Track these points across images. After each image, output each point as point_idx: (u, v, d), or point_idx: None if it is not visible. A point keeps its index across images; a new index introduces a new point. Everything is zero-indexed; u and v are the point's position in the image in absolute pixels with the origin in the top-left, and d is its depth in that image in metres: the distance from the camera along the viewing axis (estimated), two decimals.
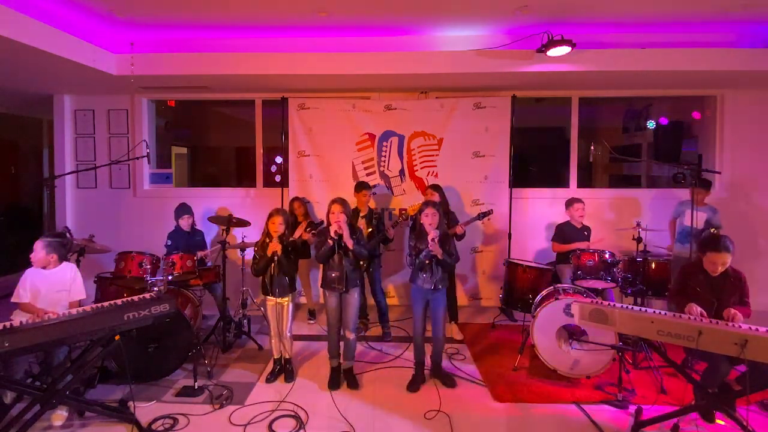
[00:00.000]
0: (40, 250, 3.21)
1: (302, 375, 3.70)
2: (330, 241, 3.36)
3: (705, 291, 3.04)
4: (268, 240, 3.51)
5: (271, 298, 3.54)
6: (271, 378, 3.60)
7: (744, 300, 3.02)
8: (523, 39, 4.45)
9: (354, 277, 3.48)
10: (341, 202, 3.44)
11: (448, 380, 3.52)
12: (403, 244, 5.17)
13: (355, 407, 3.21)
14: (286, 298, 3.55)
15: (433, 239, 3.29)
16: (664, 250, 4.77)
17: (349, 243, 3.37)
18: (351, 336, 3.55)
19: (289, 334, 3.60)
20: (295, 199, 4.85)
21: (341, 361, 3.59)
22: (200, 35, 4.71)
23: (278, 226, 3.47)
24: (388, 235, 4.36)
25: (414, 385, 3.48)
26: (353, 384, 3.51)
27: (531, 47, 4.40)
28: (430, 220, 3.38)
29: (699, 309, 2.86)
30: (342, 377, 3.57)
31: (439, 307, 3.49)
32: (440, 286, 3.44)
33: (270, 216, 3.52)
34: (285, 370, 3.63)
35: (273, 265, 3.48)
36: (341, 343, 3.60)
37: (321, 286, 3.58)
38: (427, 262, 3.40)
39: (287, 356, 3.64)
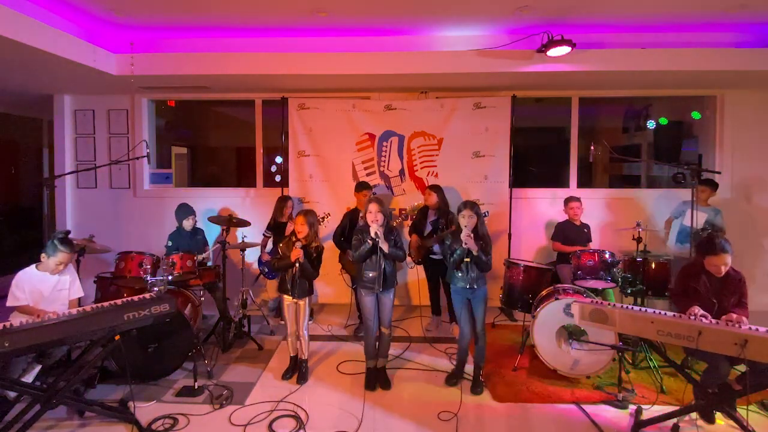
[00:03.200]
0: (68, 263, 3.22)
1: None
2: (369, 241, 3.33)
3: (706, 292, 3.04)
4: (294, 239, 3.50)
5: (289, 297, 3.54)
6: (288, 375, 3.60)
7: (742, 301, 3.01)
8: (523, 39, 4.45)
9: (392, 277, 3.46)
10: (379, 201, 3.40)
11: (478, 387, 3.46)
12: (402, 241, 5.17)
13: (355, 407, 3.21)
14: (304, 300, 3.55)
15: (468, 235, 3.28)
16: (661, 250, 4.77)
17: (385, 246, 3.34)
18: (386, 331, 3.54)
19: (305, 334, 3.59)
20: (286, 198, 4.82)
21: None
22: (200, 35, 4.71)
23: (299, 226, 3.47)
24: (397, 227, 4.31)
25: (452, 380, 3.53)
26: (386, 384, 3.48)
27: (531, 47, 4.40)
28: (466, 222, 3.34)
29: (701, 311, 2.86)
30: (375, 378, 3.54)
31: (479, 306, 3.44)
32: (476, 285, 3.39)
33: (296, 215, 3.55)
34: (299, 371, 3.61)
35: (295, 268, 3.46)
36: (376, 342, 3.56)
37: (353, 286, 3.55)
38: (466, 259, 3.33)
39: (303, 357, 3.61)
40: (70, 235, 3.33)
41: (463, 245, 3.30)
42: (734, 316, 2.80)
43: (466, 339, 3.52)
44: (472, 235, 3.29)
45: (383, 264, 3.37)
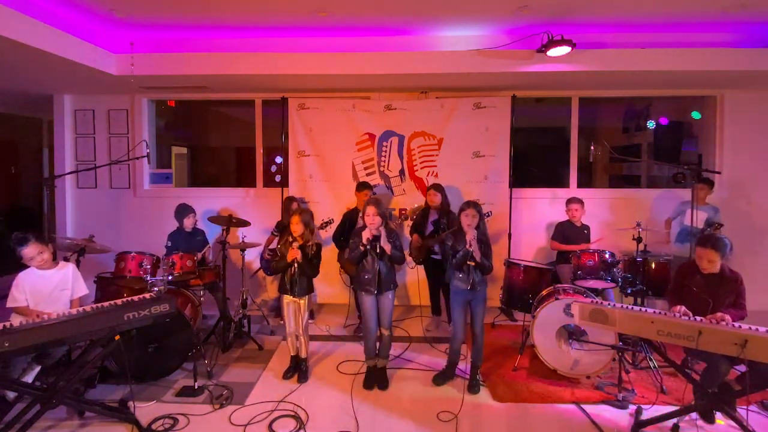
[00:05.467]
0: (45, 250, 3.16)
1: None
2: (362, 248, 3.33)
3: (701, 291, 3.04)
4: (290, 239, 3.51)
5: (289, 297, 3.55)
6: (288, 375, 3.60)
7: (739, 301, 3.01)
8: (523, 39, 4.45)
9: (388, 279, 3.44)
10: (376, 203, 3.36)
11: (475, 386, 3.44)
12: (401, 243, 5.17)
13: (355, 407, 3.21)
14: (304, 298, 3.55)
15: (473, 237, 3.27)
16: (664, 250, 4.76)
17: (387, 248, 3.33)
18: (386, 332, 3.52)
19: (305, 334, 3.60)
20: (291, 199, 4.81)
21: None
22: (200, 35, 4.70)
23: (295, 225, 3.46)
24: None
25: (439, 379, 3.52)
26: (383, 384, 3.48)
27: (531, 47, 4.40)
28: (469, 221, 3.31)
29: (684, 309, 2.86)
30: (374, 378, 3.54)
31: (478, 307, 3.42)
32: (478, 288, 3.37)
33: (291, 215, 3.54)
34: (299, 370, 3.61)
35: (294, 267, 3.48)
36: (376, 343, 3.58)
37: (352, 287, 3.55)
38: (470, 262, 3.31)
39: (303, 356, 3.62)
40: (34, 235, 3.21)
41: (467, 246, 3.28)
42: (718, 315, 2.80)
43: (459, 341, 3.50)
44: (475, 238, 3.27)
45: (377, 266, 3.37)
